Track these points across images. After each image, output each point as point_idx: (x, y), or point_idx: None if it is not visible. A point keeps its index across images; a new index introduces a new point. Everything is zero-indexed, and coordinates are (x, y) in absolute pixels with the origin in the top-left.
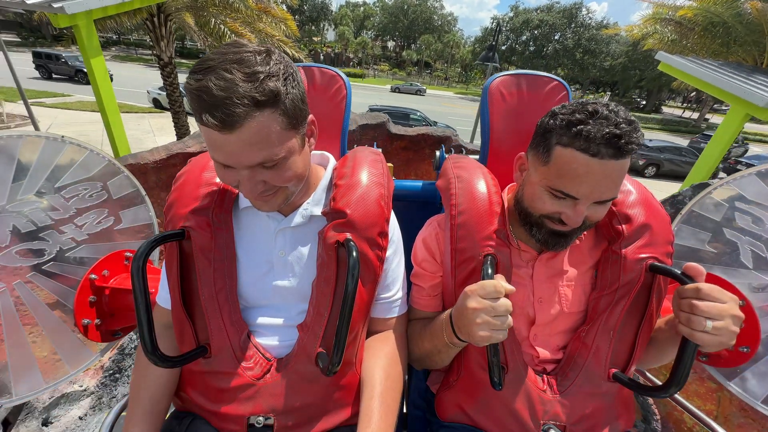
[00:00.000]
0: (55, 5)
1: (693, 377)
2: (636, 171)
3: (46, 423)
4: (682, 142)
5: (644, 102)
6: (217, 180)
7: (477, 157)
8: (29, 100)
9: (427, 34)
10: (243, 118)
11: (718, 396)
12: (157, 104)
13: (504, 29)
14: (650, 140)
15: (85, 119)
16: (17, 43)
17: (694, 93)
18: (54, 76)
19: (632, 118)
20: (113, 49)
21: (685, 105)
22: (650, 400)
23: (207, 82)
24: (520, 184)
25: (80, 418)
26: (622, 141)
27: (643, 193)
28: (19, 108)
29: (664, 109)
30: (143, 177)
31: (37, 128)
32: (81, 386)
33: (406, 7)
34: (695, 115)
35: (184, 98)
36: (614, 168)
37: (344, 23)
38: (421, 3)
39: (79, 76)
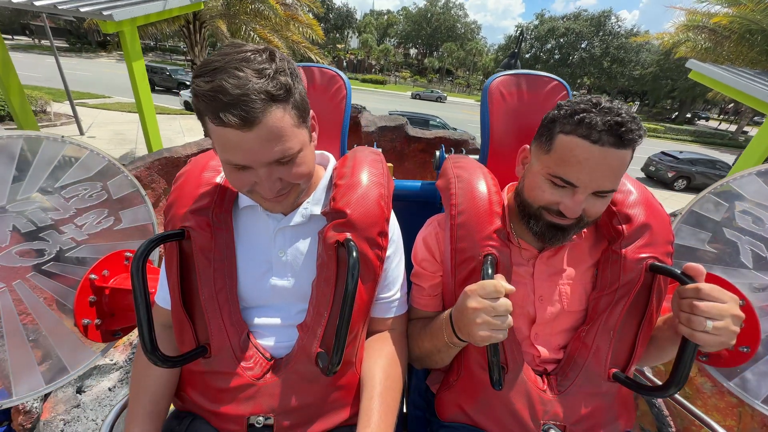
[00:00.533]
0: (105, 13)
1: (713, 391)
2: (664, 183)
3: (80, 391)
4: (718, 155)
5: (676, 113)
6: (218, 180)
7: (477, 156)
8: (74, 101)
9: (449, 42)
10: (262, 114)
11: (739, 411)
12: (187, 106)
13: (528, 37)
14: (680, 152)
15: (123, 119)
16: (66, 49)
17: (732, 104)
18: (156, 87)
19: (635, 114)
20: (150, 54)
21: (721, 117)
22: (665, 412)
23: (221, 82)
24: (521, 176)
25: (109, 389)
26: (623, 129)
27: (643, 193)
28: (64, 107)
29: (700, 121)
30: (176, 169)
31: (80, 127)
32: (111, 360)
33: (429, 15)
34: (732, 127)
35: None
36: (614, 156)
37: (368, 31)
38: (444, 12)
39: (180, 88)
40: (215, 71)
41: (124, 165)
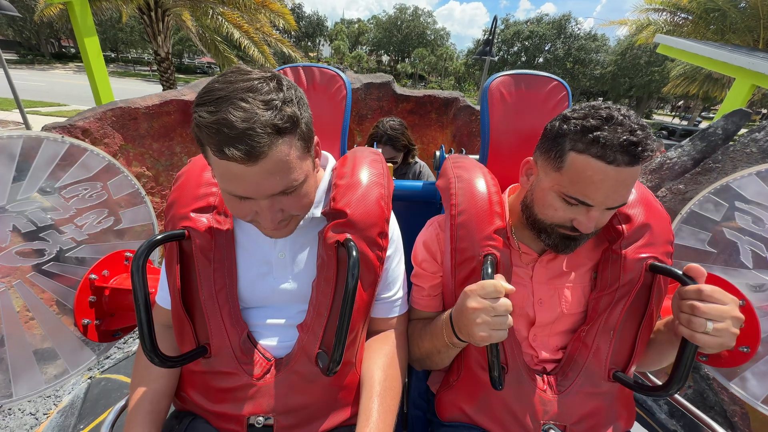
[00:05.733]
0: None
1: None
2: None
3: None
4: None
5: (633, 111)
6: None
7: (477, 157)
8: (25, 110)
9: (420, 48)
10: (268, 148)
11: None
12: None
13: (496, 40)
14: None
15: None
16: (15, 61)
17: (682, 102)
18: None
19: (644, 123)
20: (111, 65)
21: (674, 113)
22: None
23: (226, 114)
24: (527, 189)
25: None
26: (639, 148)
27: (643, 192)
28: (12, 115)
29: (655, 116)
30: (134, 123)
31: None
32: None
33: (399, 22)
34: (684, 123)
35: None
36: (629, 175)
37: (339, 38)
38: (414, 19)
39: None
40: (219, 101)
41: (73, 120)
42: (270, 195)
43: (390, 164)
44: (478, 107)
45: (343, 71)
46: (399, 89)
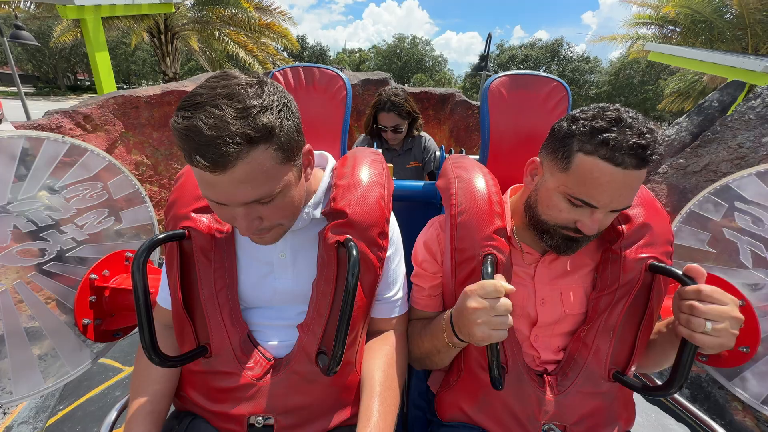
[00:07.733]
0: None
1: None
2: None
3: None
4: None
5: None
6: None
7: (477, 157)
8: None
9: (419, 73)
10: (235, 158)
11: None
12: None
13: (491, 65)
14: None
15: None
16: (33, 93)
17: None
18: None
19: (652, 126)
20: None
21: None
22: None
23: (195, 121)
24: (531, 189)
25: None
26: (647, 151)
27: (643, 192)
28: None
29: None
30: (135, 111)
31: None
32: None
33: (398, 50)
34: None
35: None
36: (635, 177)
37: (342, 66)
38: (412, 47)
39: None
40: (195, 107)
41: (75, 106)
42: (243, 203)
43: (397, 134)
44: (473, 102)
45: (341, 71)
46: (395, 85)
